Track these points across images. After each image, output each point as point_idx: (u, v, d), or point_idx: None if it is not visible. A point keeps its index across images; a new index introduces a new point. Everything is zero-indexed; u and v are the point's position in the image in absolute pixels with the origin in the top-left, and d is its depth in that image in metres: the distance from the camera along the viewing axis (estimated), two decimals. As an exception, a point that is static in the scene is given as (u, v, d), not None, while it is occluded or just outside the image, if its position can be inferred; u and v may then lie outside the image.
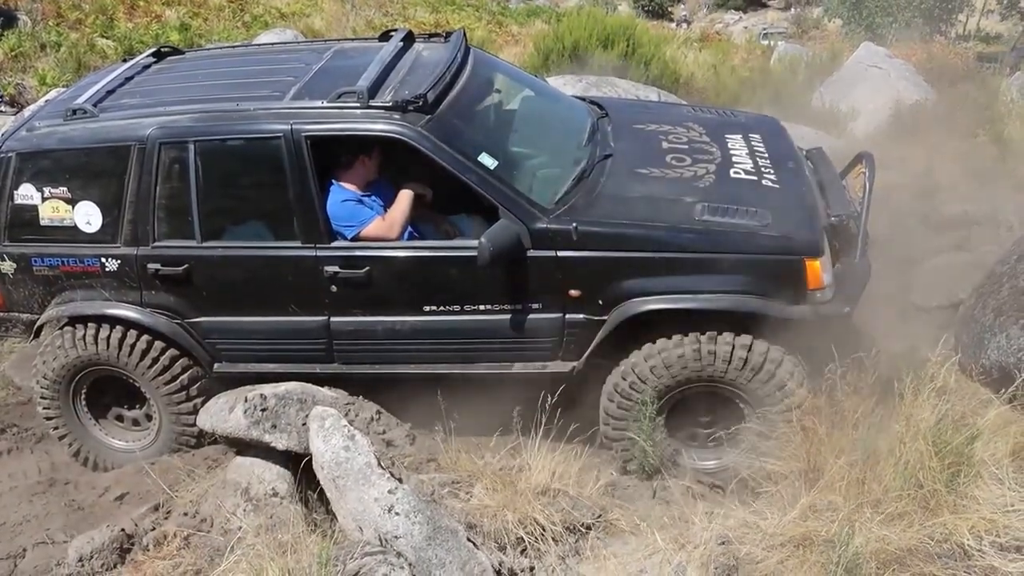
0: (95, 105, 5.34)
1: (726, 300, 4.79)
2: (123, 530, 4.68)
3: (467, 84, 5.36)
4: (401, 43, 5.72)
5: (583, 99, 6.51)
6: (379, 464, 4.23)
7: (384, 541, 3.98)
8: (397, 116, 4.89)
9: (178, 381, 5.41)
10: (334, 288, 5.06)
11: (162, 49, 6.36)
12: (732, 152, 5.52)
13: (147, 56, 6.21)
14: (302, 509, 4.53)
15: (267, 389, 4.76)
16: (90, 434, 5.75)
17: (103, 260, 5.27)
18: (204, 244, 5.14)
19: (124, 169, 5.14)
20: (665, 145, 5.59)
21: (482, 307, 5.01)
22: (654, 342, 4.87)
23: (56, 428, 5.74)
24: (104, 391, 5.68)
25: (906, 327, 5.77)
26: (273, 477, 4.67)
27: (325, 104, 4.98)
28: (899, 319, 6.11)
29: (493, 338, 5.07)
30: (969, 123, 9.70)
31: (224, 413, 4.87)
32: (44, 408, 5.70)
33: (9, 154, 5.32)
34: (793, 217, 4.96)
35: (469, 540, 3.98)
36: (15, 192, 5.31)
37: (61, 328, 5.51)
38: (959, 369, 5.23)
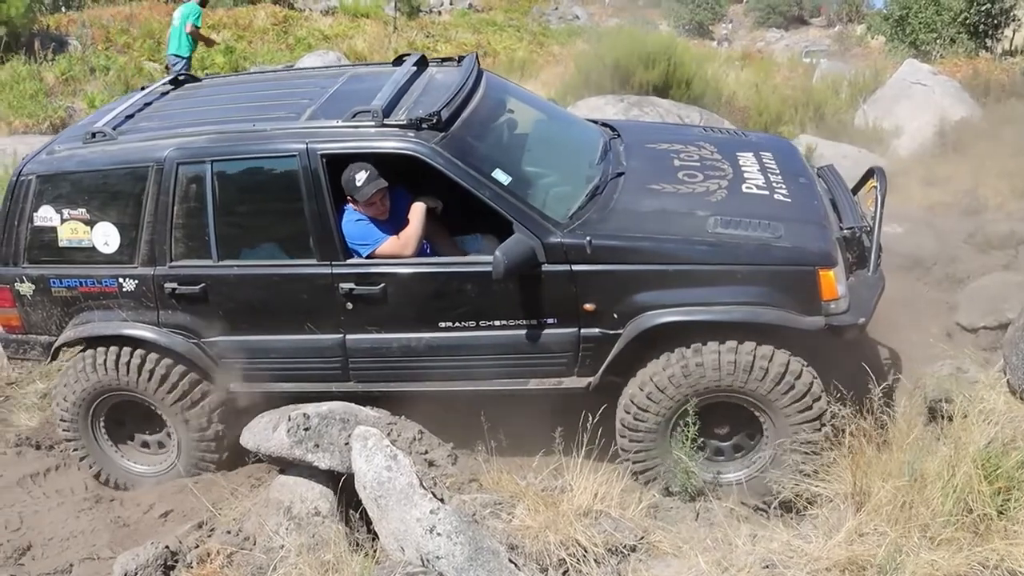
0: (114, 128, 5.43)
1: (740, 311, 4.79)
2: (167, 547, 4.72)
3: (480, 104, 5.44)
4: (414, 67, 5.81)
5: (595, 121, 6.58)
6: (421, 484, 4.24)
7: (426, 561, 3.98)
8: (411, 134, 4.95)
9: (191, 399, 5.44)
10: (350, 305, 5.09)
11: (179, 77, 6.50)
12: (743, 168, 5.56)
13: (165, 83, 6.35)
14: (344, 528, 4.53)
15: (310, 408, 4.78)
16: (110, 459, 5.78)
17: (121, 280, 5.32)
18: (221, 263, 5.19)
19: (142, 190, 5.21)
20: (677, 163, 5.63)
21: (497, 323, 5.03)
22: (658, 357, 4.89)
23: (81, 457, 5.80)
24: (123, 415, 5.71)
25: (952, 348, 5.69)
26: (315, 496, 4.68)
27: (340, 123, 5.06)
28: (945, 340, 6.04)
29: (508, 354, 5.08)
30: (1016, 140, 9.57)
31: (268, 432, 4.90)
32: (67, 439, 5.77)
33: (29, 176, 5.40)
34: (806, 229, 4.98)
35: (511, 561, 3.97)
36: (35, 214, 5.38)
37: (79, 352, 5.57)
38: (1008, 391, 5.15)
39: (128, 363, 5.40)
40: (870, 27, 20.38)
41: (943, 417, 4.71)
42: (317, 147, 4.99)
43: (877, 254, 5.14)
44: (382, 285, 5.04)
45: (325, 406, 4.83)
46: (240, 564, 4.52)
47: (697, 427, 4.77)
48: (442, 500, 4.23)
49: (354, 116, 5.02)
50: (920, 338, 6.02)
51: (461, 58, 6.09)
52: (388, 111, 5.05)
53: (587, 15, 28.45)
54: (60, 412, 5.69)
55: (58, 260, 5.42)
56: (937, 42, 16.31)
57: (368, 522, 4.48)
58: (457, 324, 5.06)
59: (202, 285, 5.22)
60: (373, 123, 4.99)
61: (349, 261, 5.07)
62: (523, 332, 5.02)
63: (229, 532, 4.77)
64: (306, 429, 4.65)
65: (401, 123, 4.97)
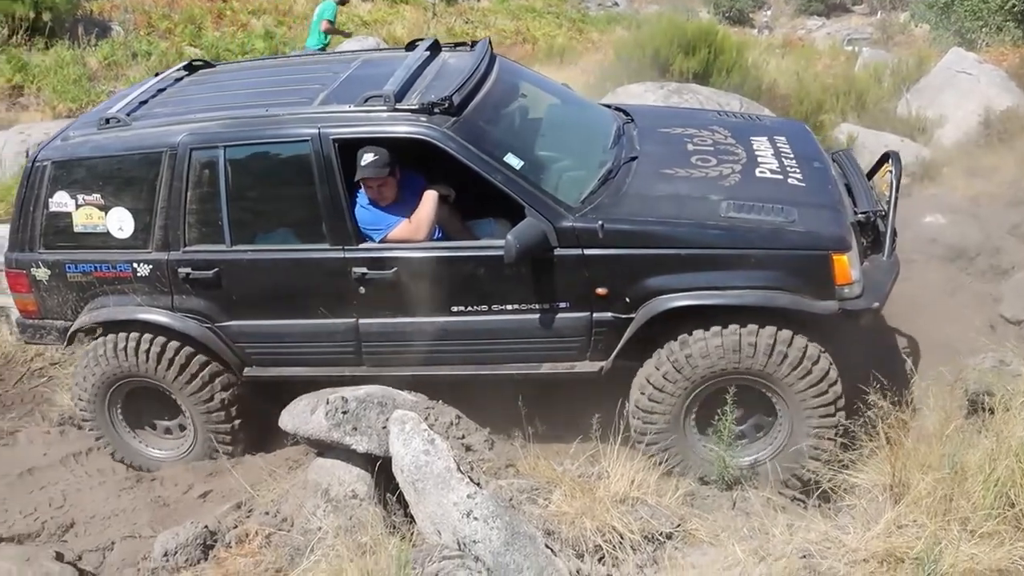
0: (128, 115, 5.47)
1: (753, 296, 4.78)
2: (206, 527, 4.80)
3: (493, 89, 5.44)
4: (427, 52, 5.81)
5: (609, 106, 6.55)
6: (458, 469, 4.26)
7: (462, 545, 4.00)
8: (424, 118, 4.95)
9: (205, 383, 5.47)
10: (362, 289, 5.11)
11: (193, 62, 6.53)
12: (757, 153, 5.53)
13: (179, 69, 6.37)
14: (381, 511, 4.56)
15: (348, 392, 4.81)
16: (128, 444, 5.84)
17: (135, 265, 5.36)
18: (234, 247, 5.23)
19: (156, 175, 5.24)
20: (690, 147, 5.61)
21: (509, 307, 5.03)
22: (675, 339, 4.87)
23: (102, 440, 5.87)
24: (141, 402, 5.75)
25: (995, 340, 5.61)
26: (353, 479, 4.72)
27: (353, 108, 5.07)
28: (988, 332, 5.96)
29: (521, 338, 5.09)
30: (1064, 130, 9.42)
31: (306, 415, 4.94)
32: (88, 425, 5.84)
33: (44, 163, 5.45)
34: (820, 213, 4.96)
35: (547, 547, 3.98)
36: (50, 200, 5.43)
37: (94, 339, 5.62)
38: (1052, 384, 5.07)
39: (142, 348, 5.44)
40: (914, 15, 20.07)
41: (984, 410, 4.66)
42: (329, 132, 5.01)
43: (892, 238, 5.11)
44: (395, 269, 5.05)
45: (363, 390, 4.85)
46: (278, 545, 4.57)
47: (732, 415, 4.75)
48: (479, 485, 4.25)
49: (366, 101, 5.04)
50: (962, 330, 5.95)
51: (474, 43, 6.08)
52: (400, 96, 5.07)
53: (626, 2, 28.25)
54: (79, 400, 5.75)
55: (73, 245, 5.48)
56: (983, 30, 16.01)
57: (405, 505, 4.52)
58: (469, 308, 5.07)
59: (215, 270, 5.25)
60: (385, 108, 5.01)
61: (362, 245, 5.09)
62: (535, 316, 5.02)
63: (267, 513, 4.82)
64: (344, 412, 4.68)
65: (413, 108, 4.99)
